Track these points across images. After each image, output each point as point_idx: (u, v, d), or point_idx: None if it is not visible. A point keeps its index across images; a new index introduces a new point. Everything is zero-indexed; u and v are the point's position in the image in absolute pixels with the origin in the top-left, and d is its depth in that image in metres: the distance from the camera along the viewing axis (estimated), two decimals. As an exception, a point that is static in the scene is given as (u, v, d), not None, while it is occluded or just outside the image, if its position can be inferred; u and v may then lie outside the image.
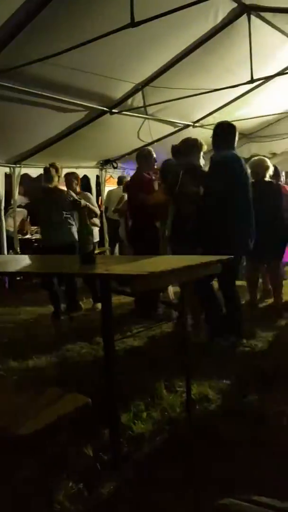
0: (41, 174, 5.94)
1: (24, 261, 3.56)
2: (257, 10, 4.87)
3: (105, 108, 5.94)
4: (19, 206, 8.00)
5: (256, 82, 5.70)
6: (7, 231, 7.31)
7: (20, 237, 7.73)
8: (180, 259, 2.53)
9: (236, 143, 4.12)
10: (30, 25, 3.93)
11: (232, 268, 3.62)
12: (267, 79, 6.12)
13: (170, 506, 1.93)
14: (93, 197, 6.57)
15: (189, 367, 2.85)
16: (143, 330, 4.56)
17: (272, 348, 3.87)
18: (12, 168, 7.07)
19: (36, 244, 7.89)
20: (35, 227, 8.25)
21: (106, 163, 8.22)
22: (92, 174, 8.20)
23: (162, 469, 2.18)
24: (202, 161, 4.35)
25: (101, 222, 8.88)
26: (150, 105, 6.09)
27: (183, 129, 7.34)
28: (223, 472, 2.11)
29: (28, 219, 8.58)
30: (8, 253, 7.15)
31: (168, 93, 5.77)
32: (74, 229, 5.31)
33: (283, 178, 6.52)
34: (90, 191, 7.92)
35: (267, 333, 4.25)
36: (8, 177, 7.10)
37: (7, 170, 7.06)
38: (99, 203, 8.64)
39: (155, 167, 5.37)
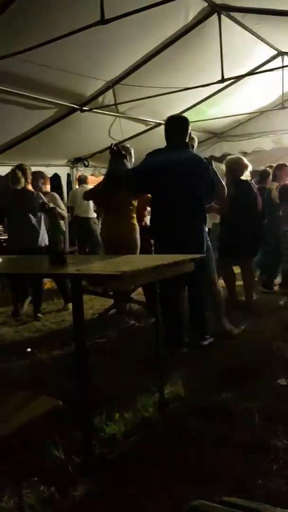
0: (9, 172, 5.84)
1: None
2: (227, 10, 4.90)
3: (75, 106, 5.87)
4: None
5: (227, 82, 5.74)
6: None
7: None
8: (153, 258, 2.52)
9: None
10: (-3, 20, 3.85)
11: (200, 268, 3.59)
12: (238, 78, 6.18)
13: (144, 507, 1.92)
14: (59, 199, 6.49)
15: (162, 367, 2.84)
16: (115, 330, 4.55)
17: (243, 346, 3.90)
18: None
19: (4, 244, 7.74)
20: (1, 227, 8.06)
21: (77, 161, 8.15)
22: (63, 172, 8.11)
23: (135, 470, 2.17)
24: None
25: (69, 221, 8.80)
26: (121, 103, 6.06)
27: (155, 127, 7.33)
28: (195, 472, 2.12)
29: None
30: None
31: (139, 91, 5.75)
32: (44, 233, 5.26)
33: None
34: (61, 190, 7.83)
35: (239, 331, 4.29)
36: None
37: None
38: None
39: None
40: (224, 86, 6.38)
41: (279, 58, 6.31)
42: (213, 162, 4.27)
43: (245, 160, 5.45)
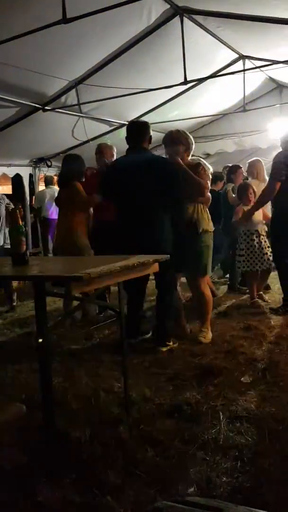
0: None
1: None
2: (189, 12, 4.96)
3: (37, 105, 5.80)
4: None
5: (190, 84, 5.80)
6: None
7: None
8: (118, 259, 2.51)
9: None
10: None
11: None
12: (200, 81, 6.25)
13: (109, 510, 1.90)
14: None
15: (126, 368, 2.84)
16: (80, 332, 4.51)
17: (208, 347, 3.93)
18: None
19: None
20: None
21: (40, 161, 8.05)
22: (25, 172, 7.99)
23: (100, 472, 2.15)
24: None
25: (35, 222, 8.68)
26: (84, 103, 6.03)
27: (119, 128, 7.33)
28: (160, 473, 2.12)
29: None
30: None
31: (102, 91, 5.74)
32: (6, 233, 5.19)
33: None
34: (23, 190, 7.72)
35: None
36: None
37: None
38: (32, 202, 8.45)
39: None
40: (187, 88, 6.45)
41: (241, 61, 6.43)
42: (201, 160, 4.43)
43: (204, 161, 5.47)
